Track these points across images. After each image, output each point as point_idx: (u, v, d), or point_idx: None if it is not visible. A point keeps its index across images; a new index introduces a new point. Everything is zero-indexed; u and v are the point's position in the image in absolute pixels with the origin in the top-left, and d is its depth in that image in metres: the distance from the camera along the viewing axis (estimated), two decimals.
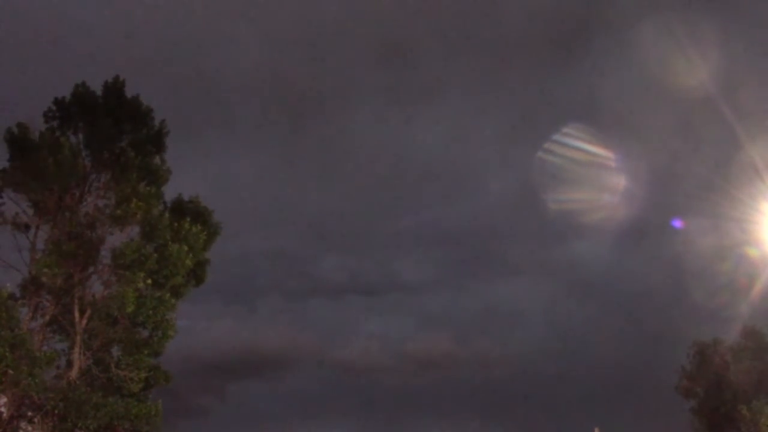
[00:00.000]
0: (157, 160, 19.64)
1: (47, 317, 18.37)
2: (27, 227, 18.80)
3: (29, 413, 17.83)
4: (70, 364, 18.39)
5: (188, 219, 19.30)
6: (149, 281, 18.33)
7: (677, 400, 27.58)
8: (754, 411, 23.94)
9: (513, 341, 43.44)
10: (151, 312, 18.53)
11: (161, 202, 19.64)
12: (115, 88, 19.85)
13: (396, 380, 43.50)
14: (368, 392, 40.92)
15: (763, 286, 22.16)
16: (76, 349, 18.27)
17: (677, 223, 23.60)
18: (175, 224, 18.95)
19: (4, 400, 17.67)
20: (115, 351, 19.00)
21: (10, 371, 16.87)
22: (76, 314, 18.34)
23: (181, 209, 20.06)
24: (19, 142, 18.83)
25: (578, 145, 23.15)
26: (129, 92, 20.12)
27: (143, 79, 21.09)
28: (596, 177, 23.54)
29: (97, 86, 19.96)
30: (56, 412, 17.47)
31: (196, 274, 20.10)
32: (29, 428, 17.86)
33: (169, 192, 20.34)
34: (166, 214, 19.25)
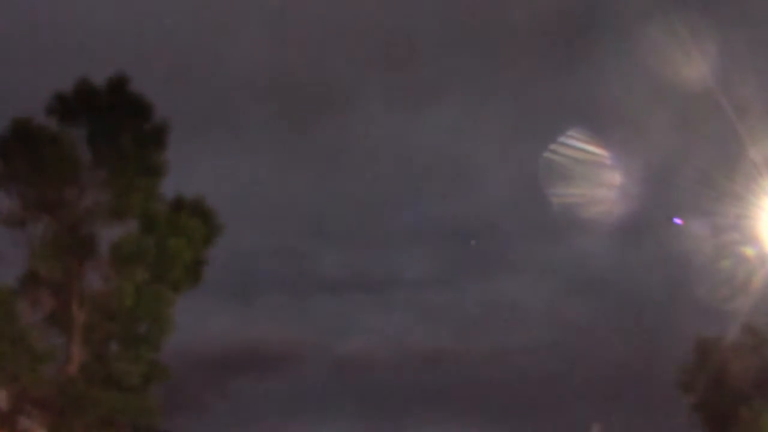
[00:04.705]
0: (156, 154, 19.59)
1: (46, 312, 18.44)
2: (22, 223, 18.81)
3: (28, 408, 17.91)
4: (68, 359, 18.44)
5: (186, 212, 19.30)
6: (148, 275, 18.35)
7: (677, 396, 27.61)
8: (754, 411, 23.90)
9: (514, 337, 43.38)
10: (150, 306, 18.55)
11: (160, 198, 19.65)
12: (118, 83, 19.77)
13: (397, 376, 43.49)
14: (369, 388, 40.90)
15: (762, 283, 22.15)
16: (75, 344, 18.32)
17: (678, 221, 23.58)
18: (173, 217, 18.99)
19: (3, 394, 17.75)
20: (114, 345, 19.04)
21: (10, 366, 16.93)
22: (75, 308, 18.39)
23: (182, 207, 20.04)
24: (23, 135, 18.86)
25: (581, 144, 23.09)
26: (134, 90, 20.13)
27: (147, 78, 21.08)
28: (597, 175, 23.51)
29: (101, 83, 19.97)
30: (55, 406, 17.54)
31: (194, 272, 20.07)
32: (27, 423, 17.93)
33: (172, 189, 20.37)
34: (165, 208, 19.28)
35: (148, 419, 19.09)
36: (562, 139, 22.92)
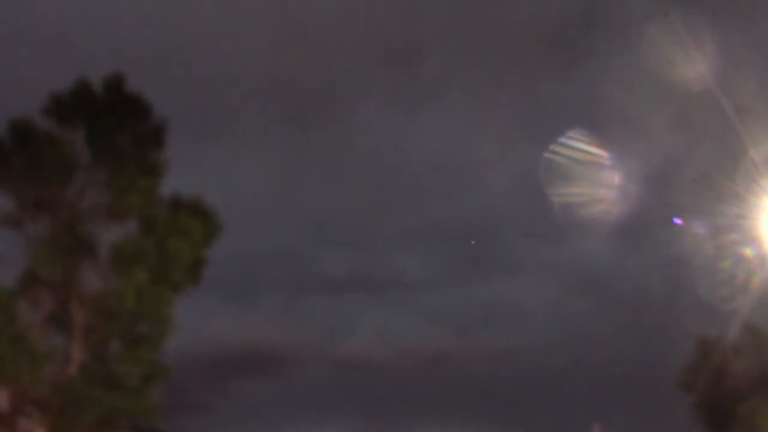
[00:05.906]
0: (155, 154, 19.56)
1: (46, 312, 18.44)
2: (21, 223, 18.78)
3: (28, 408, 17.92)
4: (68, 359, 18.44)
5: (185, 212, 19.28)
6: (148, 276, 18.34)
7: (678, 395, 27.66)
8: (752, 410, 23.96)
9: (515, 337, 43.46)
10: (150, 307, 18.55)
11: (160, 198, 19.63)
12: (115, 82, 19.69)
13: (399, 377, 43.51)
14: (370, 389, 40.93)
15: (762, 283, 22.17)
16: (75, 344, 18.32)
17: (678, 221, 23.57)
18: (173, 218, 18.97)
19: (3, 394, 17.75)
20: (114, 346, 19.05)
21: (10, 366, 16.94)
22: (75, 309, 18.38)
23: (180, 206, 20.01)
24: (21, 136, 18.83)
25: (581, 145, 23.09)
26: (132, 90, 20.06)
27: (147, 78, 21.05)
28: (598, 176, 23.49)
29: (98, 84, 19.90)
30: (55, 406, 17.55)
31: (194, 273, 20.05)
32: (27, 423, 17.94)
33: (171, 188, 20.33)
34: (164, 208, 19.27)
35: (149, 419, 19.09)
36: (562, 139, 22.89)
